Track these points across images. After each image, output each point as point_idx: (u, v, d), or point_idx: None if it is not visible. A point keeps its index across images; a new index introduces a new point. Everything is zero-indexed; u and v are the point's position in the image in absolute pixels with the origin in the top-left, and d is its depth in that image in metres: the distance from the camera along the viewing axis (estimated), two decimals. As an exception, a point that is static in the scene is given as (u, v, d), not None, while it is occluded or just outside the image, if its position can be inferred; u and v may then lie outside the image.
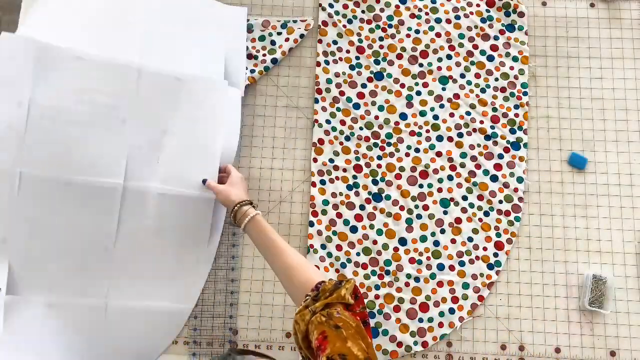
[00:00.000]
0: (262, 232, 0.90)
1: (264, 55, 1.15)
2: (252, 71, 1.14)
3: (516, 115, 1.12)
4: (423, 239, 1.08)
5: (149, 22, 1.10)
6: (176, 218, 1.04)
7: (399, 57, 1.15)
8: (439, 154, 1.11)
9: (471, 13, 1.16)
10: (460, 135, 1.11)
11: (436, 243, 1.08)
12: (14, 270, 0.99)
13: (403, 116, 1.13)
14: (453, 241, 1.07)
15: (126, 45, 1.06)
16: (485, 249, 1.07)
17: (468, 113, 1.12)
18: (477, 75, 1.14)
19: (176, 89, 1.06)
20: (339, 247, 1.07)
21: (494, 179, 1.10)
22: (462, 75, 1.14)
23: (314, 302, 0.76)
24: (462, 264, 1.07)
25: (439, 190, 1.09)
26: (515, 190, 1.09)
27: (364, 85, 1.14)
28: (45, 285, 1.00)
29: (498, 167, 1.10)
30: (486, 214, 1.08)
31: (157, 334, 1.04)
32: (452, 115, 1.12)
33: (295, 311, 0.77)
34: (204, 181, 1.02)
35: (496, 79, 1.13)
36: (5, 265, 0.98)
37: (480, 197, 1.09)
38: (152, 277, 1.04)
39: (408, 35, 1.16)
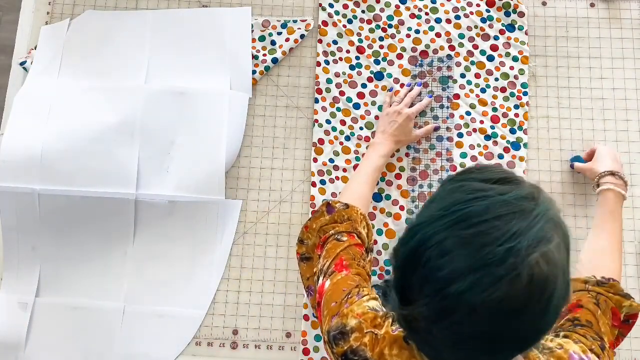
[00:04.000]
0: (603, 206, 0.93)
1: (264, 55, 1.15)
2: (253, 72, 1.14)
3: (516, 115, 1.12)
4: (423, 239, 1.07)
5: (154, 47, 1.15)
6: (187, 224, 1.07)
7: (399, 57, 1.15)
8: (438, 154, 1.11)
9: (471, 13, 1.16)
10: (460, 135, 1.11)
11: (436, 243, 1.07)
12: (44, 274, 1.07)
13: (403, 116, 1.13)
14: (453, 241, 1.07)
15: (134, 72, 1.13)
16: (485, 249, 1.07)
17: (468, 113, 1.12)
18: (477, 75, 1.14)
19: (181, 103, 1.10)
20: (339, 247, 1.07)
21: (494, 179, 1.09)
22: (462, 75, 1.14)
23: (595, 285, 0.79)
24: (462, 264, 1.06)
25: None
26: (516, 190, 1.09)
27: (364, 85, 1.14)
28: (71, 288, 1.07)
29: (498, 167, 1.10)
30: (486, 214, 1.08)
31: (170, 339, 1.05)
32: (452, 115, 1.12)
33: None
34: (572, 166, 1.07)
35: (496, 79, 1.13)
36: (37, 269, 1.07)
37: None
38: (166, 282, 1.07)
39: (408, 35, 1.16)
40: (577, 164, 1.06)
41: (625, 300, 0.77)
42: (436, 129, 1.10)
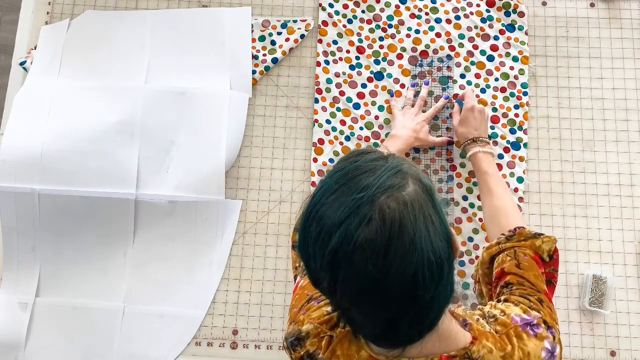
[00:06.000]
0: (477, 170, 1.00)
1: (264, 55, 1.15)
2: (253, 72, 1.14)
3: (516, 115, 1.12)
4: (423, 239, 1.08)
5: (154, 47, 1.15)
6: (187, 224, 1.08)
7: (399, 57, 1.15)
8: (439, 154, 1.11)
9: (471, 13, 1.16)
10: (460, 135, 1.11)
11: (436, 243, 1.07)
12: (44, 274, 1.07)
13: (403, 116, 1.13)
14: (453, 241, 1.07)
15: (134, 72, 1.13)
16: (485, 249, 1.07)
17: (468, 113, 1.12)
18: (477, 76, 1.14)
19: (181, 103, 1.10)
20: (339, 247, 1.07)
21: (494, 179, 1.09)
22: (462, 76, 1.14)
23: (506, 241, 0.82)
24: (462, 264, 1.06)
25: (439, 190, 1.09)
26: (515, 190, 1.09)
27: (364, 85, 1.14)
28: (71, 288, 1.07)
29: (498, 167, 1.10)
30: (486, 214, 1.08)
31: (170, 339, 1.05)
32: (452, 115, 1.12)
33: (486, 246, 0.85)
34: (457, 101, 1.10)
35: (496, 79, 1.13)
36: (37, 269, 1.07)
37: (480, 197, 1.09)
38: (166, 282, 1.07)
39: (408, 35, 1.16)
40: (454, 114, 1.07)
41: (537, 240, 0.81)
42: (450, 142, 1.10)
